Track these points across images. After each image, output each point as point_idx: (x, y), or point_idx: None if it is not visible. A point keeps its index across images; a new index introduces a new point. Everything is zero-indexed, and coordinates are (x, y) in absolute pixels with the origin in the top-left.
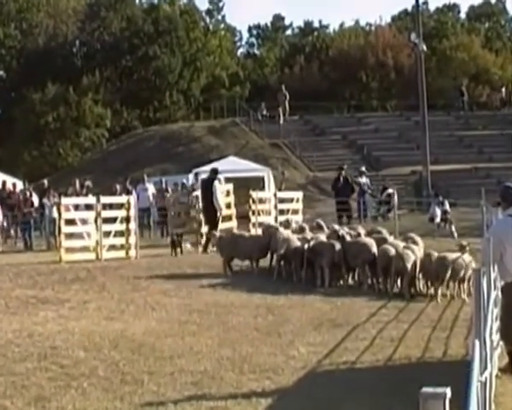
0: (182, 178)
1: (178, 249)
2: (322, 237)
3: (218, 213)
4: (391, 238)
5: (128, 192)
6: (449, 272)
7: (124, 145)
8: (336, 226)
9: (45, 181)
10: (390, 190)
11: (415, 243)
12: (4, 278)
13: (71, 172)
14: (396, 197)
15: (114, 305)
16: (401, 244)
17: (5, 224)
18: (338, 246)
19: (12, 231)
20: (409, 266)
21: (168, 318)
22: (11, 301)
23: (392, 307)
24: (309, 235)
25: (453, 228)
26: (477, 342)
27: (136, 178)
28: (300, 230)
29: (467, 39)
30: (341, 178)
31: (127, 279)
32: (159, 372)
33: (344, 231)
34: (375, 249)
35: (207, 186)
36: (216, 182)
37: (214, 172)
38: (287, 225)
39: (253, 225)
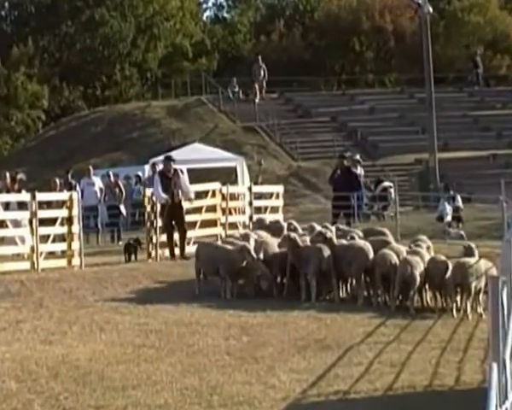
0: (136, 170)
1: (133, 256)
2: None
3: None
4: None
5: (70, 187)
6: (473, 281)
7: (65, 130)
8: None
9: None
10: (386, 184)
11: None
12: None
13: (0, 163)
14: (393, 191)
15: (54, 325)
16: (403, 248)
17: None
18: (327, 251)
19: None
20: (418, 274)
21: (120, 340)
22: None
23: (393, 326)
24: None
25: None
26: (495, 366)
27: (80, 171)
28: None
29: None
30: (340, 169)
31: (69, 294)
32: (108, 407)
33: (332, 232)
34: (372, 255)
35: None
36: (179, 171)
37: (168, 159)
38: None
39: (223, 226)
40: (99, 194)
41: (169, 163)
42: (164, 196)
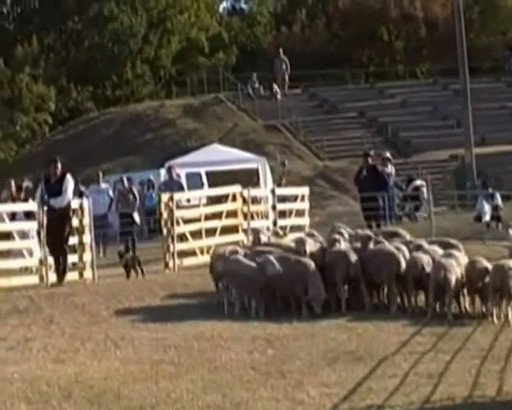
0: (151, 175)
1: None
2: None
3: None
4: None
5: (81, 195)
6: None
7: (73, 134)
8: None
9: None
10: (418, 182)
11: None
12: None
13: (4, 170)
14: (426, 190)
15: (66, 343)
16: (439, 251)
17: None
18: (353, 256)
19: None
20: (453, 279)
21: (137, 357)
22: None
23: (430, 334)
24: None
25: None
26: None
27: (90, 177)
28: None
29: None
30: (366, 168)
31: (82, 309)
32: None
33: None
34: (403, 259)
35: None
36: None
37: (53, 161)
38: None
39: (245, 231)
40: (108, 202)
41: (53, 165)
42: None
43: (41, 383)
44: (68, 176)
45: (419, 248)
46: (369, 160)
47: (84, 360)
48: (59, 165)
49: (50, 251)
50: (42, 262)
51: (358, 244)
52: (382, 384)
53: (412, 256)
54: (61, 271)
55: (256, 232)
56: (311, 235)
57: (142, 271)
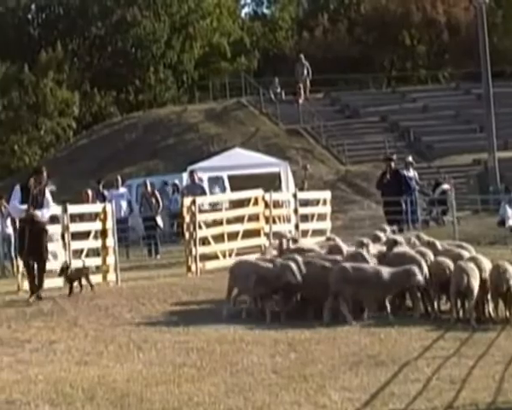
0: (173, 179)
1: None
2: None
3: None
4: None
5: (104, 199)
6: None
7: (97, 138)
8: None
9: None
10: (445, 186)
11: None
12: None
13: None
14: (453, 195)
15: (89, 345)
16: (466, 254)
17: None
18: (373, 260)
19: None
20: (475, 283)
21: (159, 360)
22: None
23: (453, 339)
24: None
25: None
26: None
27: (112, 181)
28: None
29: None
30: (389, 173)
31: (105, 311)
32: None
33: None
34: (424, 264)
35: None
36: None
37: (38, 172)
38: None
39: (267, 235)
40: (125, 206)
41: (40, 176)
42: (21, 207)
43: (65, 384)
44: (47, 189)
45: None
46: (392, 164)
47: (107, 362)
48: (45, 176)
49: (27, 260)
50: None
51: (384, 248)
52: (405, 389)
53: (436, 260)
54: (38, 281)
55: (280, 237)
56: (332, 240)
57: (90, 284)
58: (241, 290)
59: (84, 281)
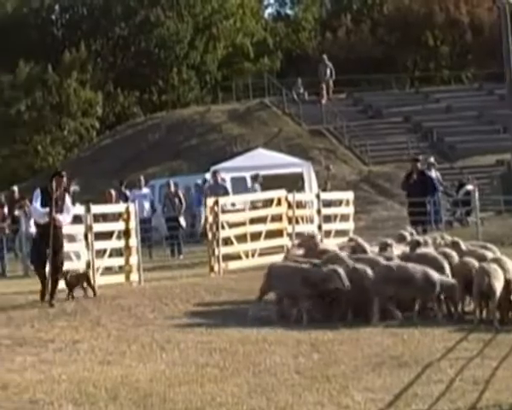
0: (196, 179)
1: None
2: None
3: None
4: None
5: (126, 199)
6: None
7: (120, 138)
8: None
9: (15, 188)
10: (469, 187)
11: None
12: None
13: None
14: (477, 196)
15: (112, 345)
16: (490, 254)
17: None
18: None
19: None
20: (498, 285)
21: (182, 360)
22: None
23: (476, 340)
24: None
25: None
26: None
27: (134, 182)
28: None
29: None
30: (415, 173)
31: (128, 311)
32: None
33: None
34: (447, 265)
35: None
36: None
37: (58, 175)
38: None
39: (289, 236)
40: (148, 207)
41: (60, 179)
42: (43, 211)
43: (88, 384)
44: (67, 194)
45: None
46: (418, 165)
47: (130, 362)
48: (65, 179)
49: (42, 266)
50: (89, 265)
51: (407, 249)
52: (428, 390)
53: (461, 261)
54: (52, 287)
55: (308, 238)
56: (353, 241)
57: (92, 289)
58: (282, 293)
59: (85, 285)
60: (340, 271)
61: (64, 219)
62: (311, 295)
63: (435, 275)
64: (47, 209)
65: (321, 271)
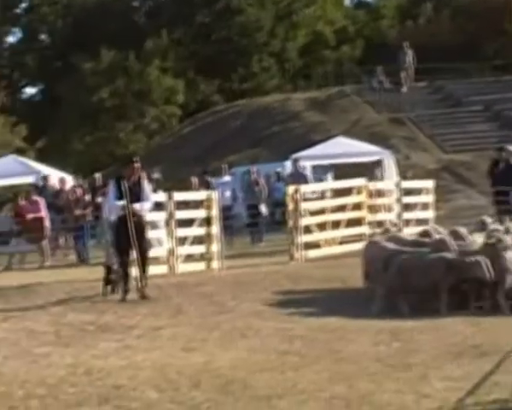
0: (276, 167)
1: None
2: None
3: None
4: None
5: (208, 187)
6: None
7: (201, 126)
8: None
9: (98, 175)
10: None
11: None
12: (53, 300)
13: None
14: None
15: (193, 332)
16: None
17: (53, 231)
18: None
19: (61, 241)
20: None
21: (263, 347)
22: (63, 330)
23: None
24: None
25: None
26: None
27: (218, 169)
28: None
29: None
30: (501, 163)
31: (209, 298)
32: None
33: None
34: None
35: None
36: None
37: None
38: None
39: (369, 224)
40: (229, 194)
41: (133, 166)
42: (117, 204)
43: (170, 370)
44: (145, 180)
45: None
46: (503, 154)
47: (211, 349)
48: (139, 165)
49: (126, 254)
50: (171, 252)
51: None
52: (508, 379)
53: None
54: (142, 274)
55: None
56: (435, 229)
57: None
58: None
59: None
60: (484, 261)
61: (142, 206)
62: (456, 284)
63: None
64: (121, 202)
65: (465, 259)
